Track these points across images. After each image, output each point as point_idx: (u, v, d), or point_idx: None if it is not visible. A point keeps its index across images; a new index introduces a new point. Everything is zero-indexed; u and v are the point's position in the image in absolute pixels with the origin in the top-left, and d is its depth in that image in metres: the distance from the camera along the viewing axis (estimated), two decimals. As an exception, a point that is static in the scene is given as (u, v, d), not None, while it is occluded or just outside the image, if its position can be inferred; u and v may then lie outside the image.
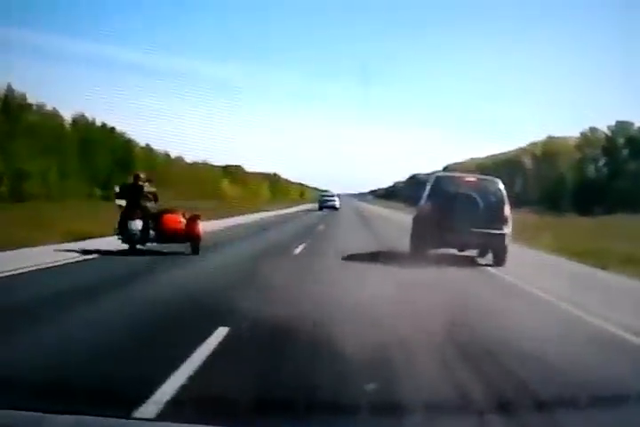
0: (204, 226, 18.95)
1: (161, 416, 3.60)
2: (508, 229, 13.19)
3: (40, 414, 2.18)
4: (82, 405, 3.38)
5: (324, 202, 42.11)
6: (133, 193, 13.45)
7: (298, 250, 14.61)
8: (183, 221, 13.16)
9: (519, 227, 15.22)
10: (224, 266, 11.69)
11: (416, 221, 14.76)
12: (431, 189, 14.31)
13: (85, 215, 19.20)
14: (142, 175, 13.83)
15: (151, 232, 13.02)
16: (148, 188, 13.59)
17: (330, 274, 10.54)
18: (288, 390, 4.21)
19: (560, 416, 3.97)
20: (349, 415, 3.86)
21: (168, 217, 13.20)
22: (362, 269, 11.42)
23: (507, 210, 13.34)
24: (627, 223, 22.08)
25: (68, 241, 14.92)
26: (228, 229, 20.98)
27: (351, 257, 13.34)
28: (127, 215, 13.10)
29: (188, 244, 13.04)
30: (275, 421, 3.67)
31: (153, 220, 13.06)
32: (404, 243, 14.76)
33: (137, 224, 12.98)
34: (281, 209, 39.20)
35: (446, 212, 13.14)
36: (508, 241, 13.10)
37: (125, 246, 13.08)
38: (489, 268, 12.76)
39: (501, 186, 13.80)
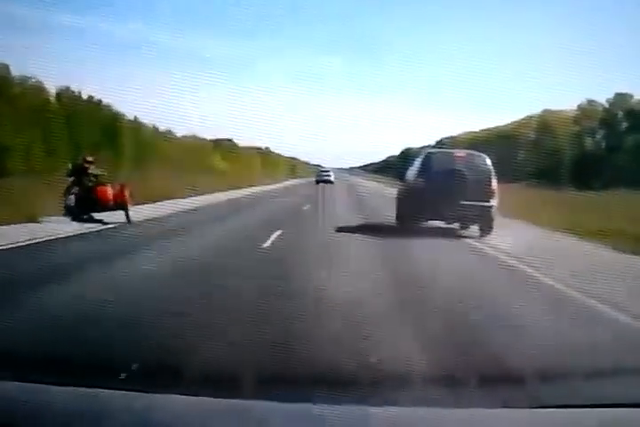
0: (183, 202, 19.32)
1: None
2: (494, 202, 14.28)
3: (36, 384, 2.28)
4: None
5: (320, 176, 46.00)
6: (79, 173, 15.36)
7: (269, 241, 12.05)
8: (112, 191, 15.33)
9: (523, 204, 15.84)
10: (160, 266, 8.98)
11: (405, 194, 15.59)
12: (422, 164, 14.94)
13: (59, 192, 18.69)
14: (89, 158, 15.77)
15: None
16: (92, 169, 15.41)
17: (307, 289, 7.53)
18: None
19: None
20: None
21: (99, 189, 15.23)
22: (357, 279, 8.38)
23: (494, 184, 14.33)
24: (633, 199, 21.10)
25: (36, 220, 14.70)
26: (201, 209, 20.39)
27: (340, 252, 11.17)
28: (66, 192, 14.96)
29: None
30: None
31: (88, 193, 15.00)
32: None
33: (71, 199, 14.86)
34: (270, 184, 38.78)
35: (437, 186, 13.92)
36: (494, 212, 14.30)
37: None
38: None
39: (489, 161, 14.57)
